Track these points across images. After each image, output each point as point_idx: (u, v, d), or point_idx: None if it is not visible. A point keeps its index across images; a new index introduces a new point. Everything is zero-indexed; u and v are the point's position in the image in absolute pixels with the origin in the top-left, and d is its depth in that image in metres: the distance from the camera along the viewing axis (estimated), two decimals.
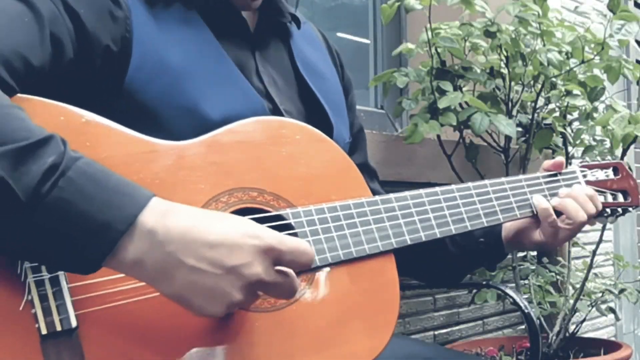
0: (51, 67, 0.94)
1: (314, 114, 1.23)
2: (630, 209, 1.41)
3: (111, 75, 1.01)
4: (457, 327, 2.78)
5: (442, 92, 2.15)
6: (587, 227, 1.42)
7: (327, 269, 1.03)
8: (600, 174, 1.41)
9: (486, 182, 1.26)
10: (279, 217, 1.01)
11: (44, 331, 0.84)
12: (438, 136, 2.26)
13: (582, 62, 2.32)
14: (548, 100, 2.45)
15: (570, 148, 2.53)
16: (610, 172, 1.42)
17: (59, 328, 0.84)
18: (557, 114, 2.48)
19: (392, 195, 1.14)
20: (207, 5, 1.13)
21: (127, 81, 1.02)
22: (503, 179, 1.28)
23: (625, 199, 1.40)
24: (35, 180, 0.79)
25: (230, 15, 1.17)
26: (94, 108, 0.94)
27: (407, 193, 1.16)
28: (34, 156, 0.80)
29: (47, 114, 0.90)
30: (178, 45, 1.08)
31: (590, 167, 1.42)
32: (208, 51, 1.11)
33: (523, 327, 3.02)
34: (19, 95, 0.89)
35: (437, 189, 1.20)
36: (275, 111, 1.16)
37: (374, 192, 1.14)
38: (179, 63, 1.06)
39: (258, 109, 1.11)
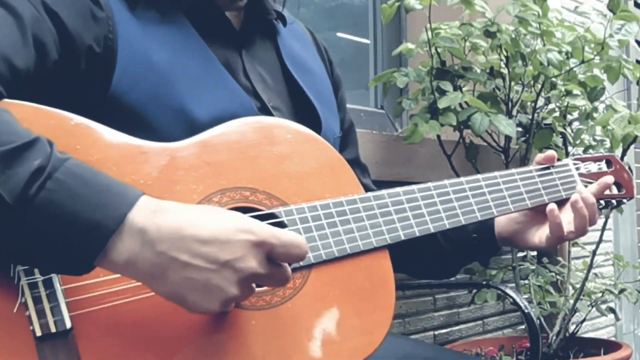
0: (36, 70, 0.94)
1: (303, 109, 1.23)
2: (624, 200, 1.42)
3: (97, 77, 1.01)
4: (457, 327, 2.78)
5: (442, 92, 2.15)
6: None
7: (322, 266, 1.03)
8: (593, 167, 1.41)
9: (479, 176, 1.26)
10: (272, 216, 1.01)
11: (38, 333, 0.84)
12: (438, 136, 2.26)
13: (582, 62, 2.31)
14: (548, 100, 2.45)
15: (570, 148, 2.53)
16: (603, 164, 1.41)
17: (53, 330, 0.84)
18: (557, 114, 2.48)
19: (384, 192, 1.13)
20: (191, 5, 1.12)
21: (114, 82, 1.01)
22: (496, 173, 1.28)
23: (619, 191, 1.40)
24: (22, 183, 0.79)
25: (214, 15, 1.16)
26: (82, 112, 0.94)
27: (399, 189, 1.15)
28: (20, 159, 0.80)
29: (36, 118, 0.89)
30: (163, 45, 1.07)
31: (583, 160, 1.41)
32: (194, 51, 1.10)
33: (523, 327, 3.02)
34: (7, 100, 0.88)
35: (430, 184, 1.20)
36: (264, 109, 1.15)
37: (366, 187, 1.14)
38: (165, 63, 1.05)
39: (246, 107, 1.11)
